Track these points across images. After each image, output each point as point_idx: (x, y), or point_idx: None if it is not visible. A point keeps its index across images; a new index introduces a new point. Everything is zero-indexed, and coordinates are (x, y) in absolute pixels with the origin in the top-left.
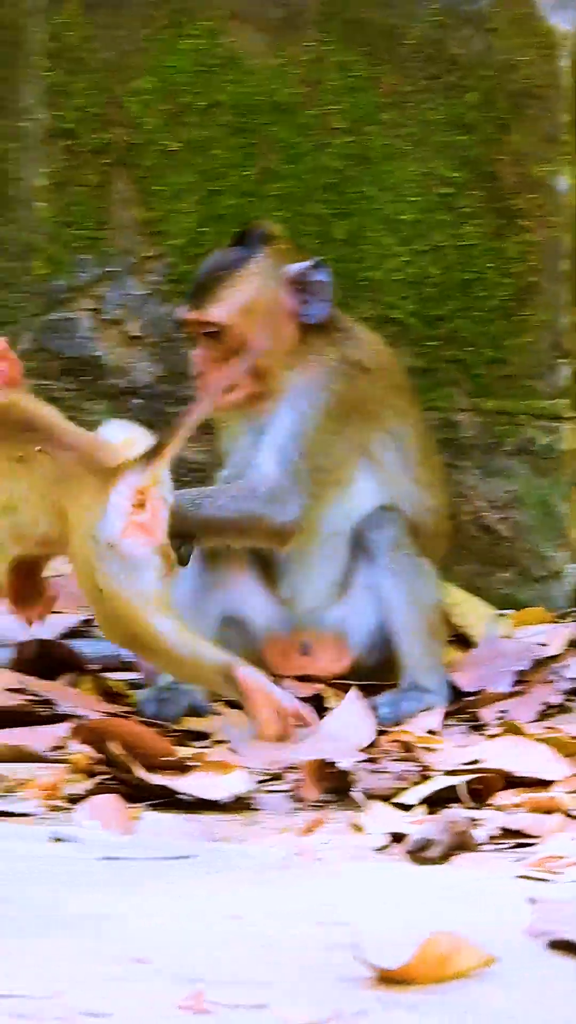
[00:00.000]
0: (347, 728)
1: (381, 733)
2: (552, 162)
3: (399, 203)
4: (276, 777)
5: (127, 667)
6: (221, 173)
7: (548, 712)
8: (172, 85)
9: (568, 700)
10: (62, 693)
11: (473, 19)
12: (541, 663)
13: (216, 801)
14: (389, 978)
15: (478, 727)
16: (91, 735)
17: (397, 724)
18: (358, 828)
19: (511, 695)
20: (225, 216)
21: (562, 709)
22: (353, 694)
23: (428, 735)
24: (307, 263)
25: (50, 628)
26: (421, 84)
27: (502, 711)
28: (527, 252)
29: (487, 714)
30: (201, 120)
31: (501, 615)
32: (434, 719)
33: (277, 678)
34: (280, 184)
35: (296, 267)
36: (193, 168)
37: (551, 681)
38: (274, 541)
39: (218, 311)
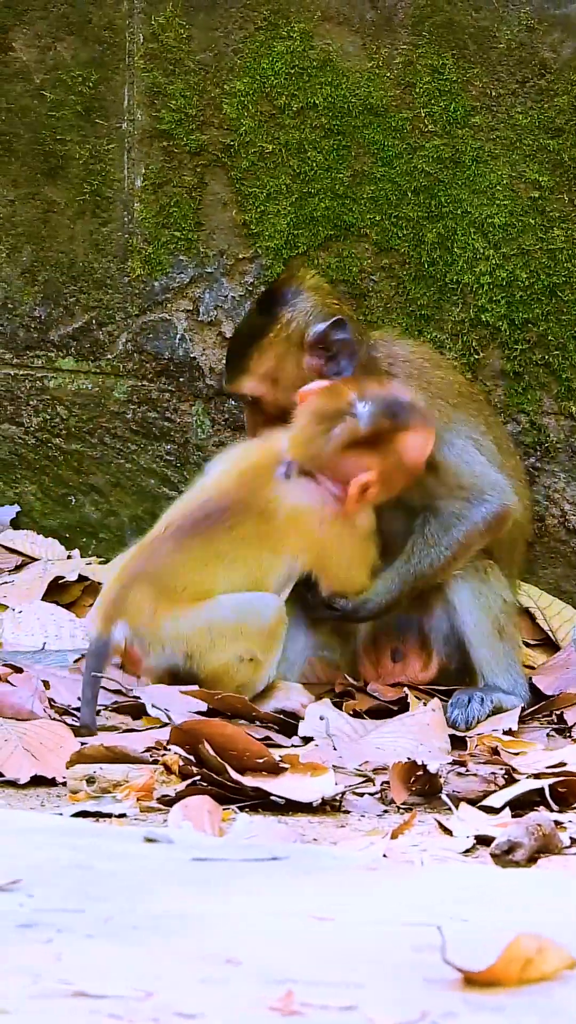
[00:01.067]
0: (423, 732)
1: (467, 738)
2: None
3: (489, 206)
4: (367, 780)
5: None
6: (315, 175)
7: None
8: (267, 87)
9: None
10: (160, 692)
11: (563, 23)
12: None
13: (307, 803)
14: (475, 980)
15: (563, 731)
16: (184, 737)
17: (468, 727)
18: (446, 831)
19: None
20: (318, 218)
21: None
22: (435, 701)
23: (513, 739)
24: (326, 323)
25: None
26: (512, 88)
27: None
28: None
29: (572, 717)
30: (295, 122)
31: None
32: (510, 720)
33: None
34: (372, 187)
35: (317, 329)
36: (287, 170)
37: None
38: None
39: (248, 384)
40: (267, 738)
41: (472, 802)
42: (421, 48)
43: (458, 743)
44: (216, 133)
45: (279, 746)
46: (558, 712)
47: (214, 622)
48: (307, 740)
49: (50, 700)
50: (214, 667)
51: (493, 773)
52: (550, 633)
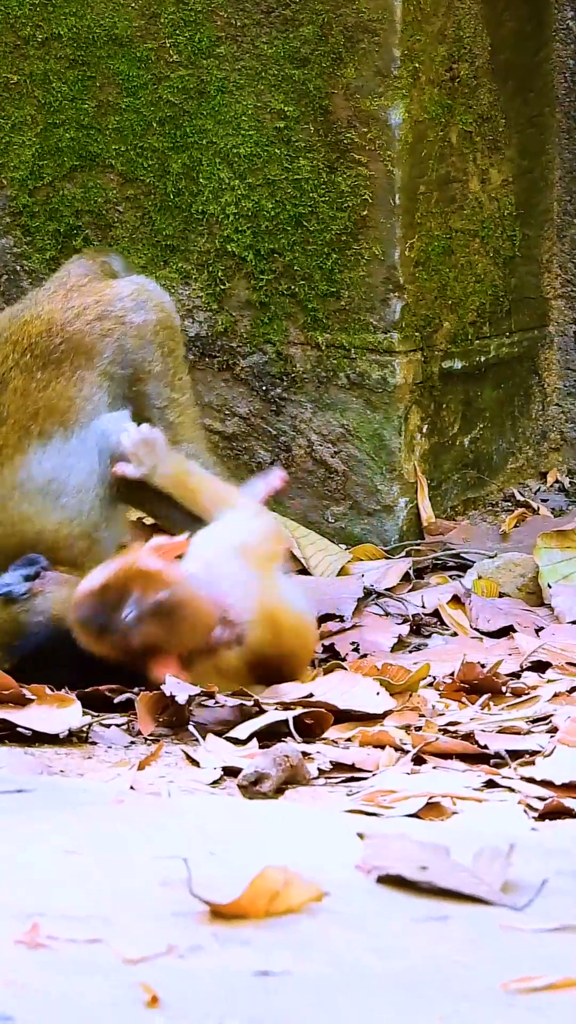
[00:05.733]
0: None
1: None
2: (385, 96)
3: (235, 136)
4: (113, 710)
5: None
6: (60, 106)
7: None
8: (11, 18)
9: (402, 636)
10: None
11: None
12: (376, 597)
13: (54, 734)
14: (222, 913)
15: (332, 659)
16: None
17: None
18: (193, 762)
19: (343, 631)
20: (63, 149)
21: (399, 644)
22: None
23: None
24: None
25: None
26: (256, 18)
27: (353, 643)
28: (360, 186)
29: (343, 647)
30: (40, 53)
31: (339, 549)
32: None
33: None
34: (118, 117)
35: None
36: (32, 101)
37: (387, 615)
38: None
39: None
40: None
41: (219, 733)
42: None
43: None
44: None
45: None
46: (327, 643)
47: None
48: None
49: None
50: None
51: (241, 704)
52: (304, 562)
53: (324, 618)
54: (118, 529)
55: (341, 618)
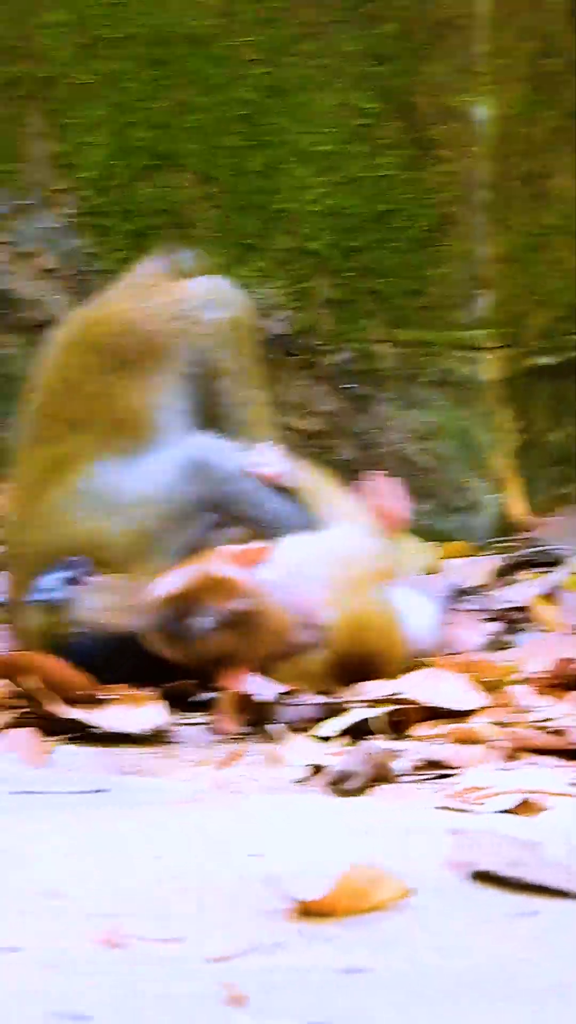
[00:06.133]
0: None
1: None
2: (469, 92)
3: (315, 135)
4: (196, 709)
5: None
6: (134, 106)
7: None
8: (84, 18)
9: (492, 632)
10: None
11: None
12: (465, 594)
13: (133, 734)
14: (308, 910)
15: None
16: (6, 668)
17: None
18: (276, 760)
19: None
20: (137, 149)
21: (488, 640)
22: None
23: None
24: None
25: None
26: (337, 15)
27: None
28: (444, 183)
29: None
30: (114, 52)
31: (427, 547)
32: None
33: None
34: (194, 116)
35: None
36: (106, 101)
37: (476, 611)
38: None
39: None
40: None
41: (304, 731)
42: None
43: None
44: (31, 65)
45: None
46: None
47: None
48: None
49: None
50: None
51: (327, 702)
52: None
53: None
54: (184, 539)
55: None
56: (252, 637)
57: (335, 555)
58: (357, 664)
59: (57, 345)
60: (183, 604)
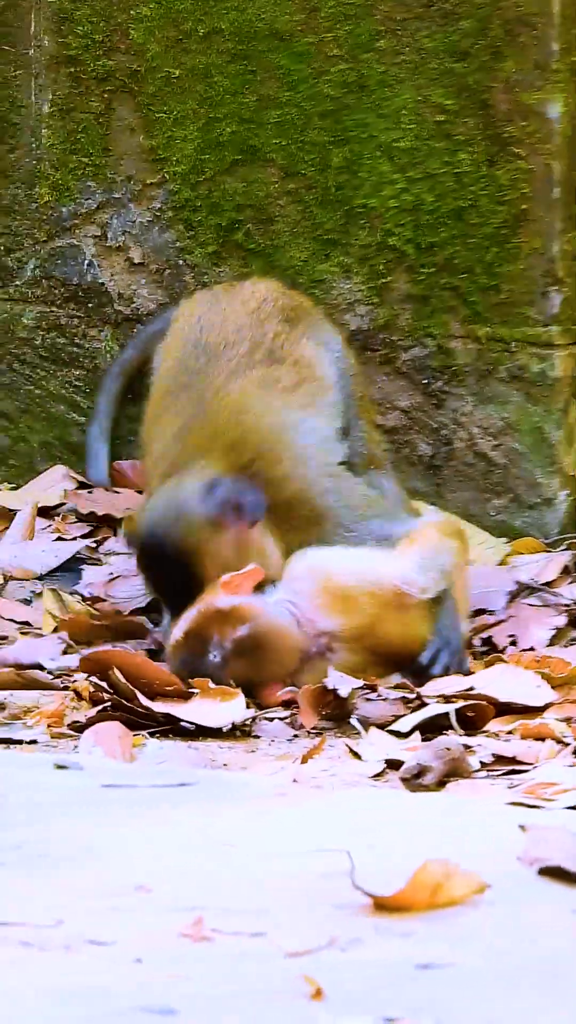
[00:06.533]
0: None
1: None
2: (544, 90)
3: (395, 130)
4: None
5: None
6: (221, 100)
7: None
8: (174, 12)
9: (559, 628)
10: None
11: None
12: (534, 590)
13: (217, 728)
14: (384, 905)
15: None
16: (95, 664)
17: None
18: (355, 755)
19: (498, 623)
20: (224, 143)
21: (557, 636)
22: None
23: None
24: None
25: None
26: (417, 11)
27: (511, 635)
28: (520, 180)
29: (501, 639)
30: (202, 47)
31: (499, 542)
32: None
33: None
34: (279, 111)
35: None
36: (194, 95)
37: (546, 607)
38: None
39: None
40: None
41: (381, 726)
42: None
43: None
44: (123, 58)
45: None
46: (484, 635)
47: None
48: None
49: None
50: None
51: (403, 697)
52: None
53: (478, 612)
54: None
55: (492, 612)
56: (263, 656)
57: (338, 567)
58: (379, 655)
59: None
60: (197, 640)
